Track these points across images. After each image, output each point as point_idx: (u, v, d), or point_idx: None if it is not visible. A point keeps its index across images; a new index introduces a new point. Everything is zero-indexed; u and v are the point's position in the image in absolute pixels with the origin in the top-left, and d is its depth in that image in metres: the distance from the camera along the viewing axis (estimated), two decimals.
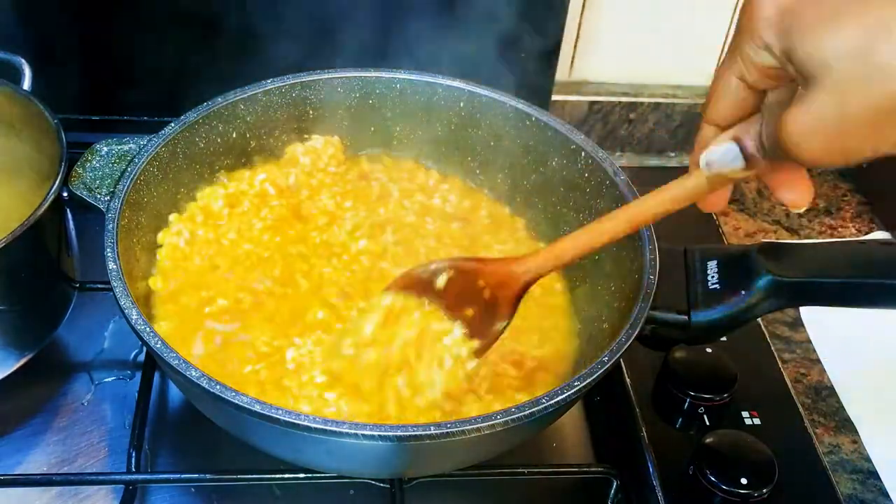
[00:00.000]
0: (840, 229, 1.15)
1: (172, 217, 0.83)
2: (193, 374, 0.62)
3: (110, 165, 0.79)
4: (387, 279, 0.75)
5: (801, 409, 0.84)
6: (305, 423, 0.60)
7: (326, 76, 0.90)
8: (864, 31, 0.46)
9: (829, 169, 1.24)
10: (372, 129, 0.93)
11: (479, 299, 0.69)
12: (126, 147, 0.80)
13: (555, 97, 1.15)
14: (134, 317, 0.66)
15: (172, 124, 0.82)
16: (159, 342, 0.64)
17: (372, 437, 0.60)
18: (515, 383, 0.75)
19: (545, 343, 0.79)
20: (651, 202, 0.62)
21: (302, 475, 0.74)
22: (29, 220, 0.72)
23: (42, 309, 0.82)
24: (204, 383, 0.61)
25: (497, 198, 0.93)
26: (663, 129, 1.20)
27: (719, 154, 0.55)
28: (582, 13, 1.12)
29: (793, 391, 0.85)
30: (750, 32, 0.52)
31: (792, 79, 0.51)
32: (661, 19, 1.13)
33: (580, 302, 0.83)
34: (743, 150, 0.54)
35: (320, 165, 0.90)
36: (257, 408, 0.60)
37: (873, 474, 0.85)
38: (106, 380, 0.87)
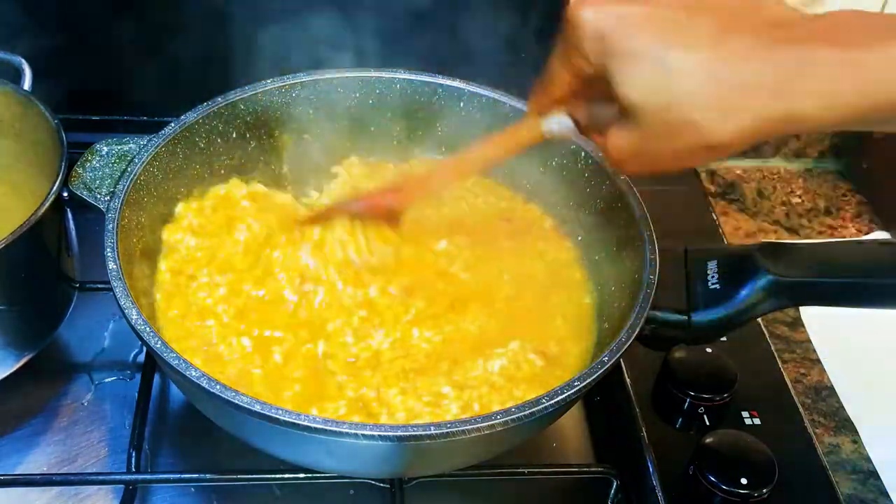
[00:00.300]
0: (840, 229, 1.15)
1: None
2: (193, 374, 0.62)
3: (110, 165, 0.79)
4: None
5: (801, 409, 0.84)
6: (305, 423, 0.60)
7: (326, 76, 0.89)
8: (661, 86, 0.53)
9: (829, 168, 1.25)
10: (372, 128, 0.93)
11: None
12: (126, 147, 0.80)
13: None
14: (134, 317, 0.66)
15: (172, 124, 0.82)
16: (159, 342, 0.64)
17: (372, 437, 0.60)
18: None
19: None
20: (500, 146, 0.73)
21: (302, 475, 0.74)
22: (29, 221, 0.72)
23: (42, 309, 0.82)
24: (204, 383, 0.61)
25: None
26: None
27: (557, 125, 0.67)
28: None
29: (793, 391, 0.85)
30: (573, 45, 0.58)
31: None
32: None
33: None
34: (576, 122, 0.66)
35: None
36: (257, 408, 0.60)
37: (873, 474, 0.85)
38: (106, 380, 0.87)
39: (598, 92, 0.60)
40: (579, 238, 0.85)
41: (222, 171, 0.88)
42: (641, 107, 0.55)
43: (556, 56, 0.62)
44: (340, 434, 0.60)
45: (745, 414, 0.82)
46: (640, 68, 0.54)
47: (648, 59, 0.53)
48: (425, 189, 0.79)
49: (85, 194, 0.77)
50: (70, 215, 0.82)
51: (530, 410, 0.61)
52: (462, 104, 0.90)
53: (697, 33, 0.53)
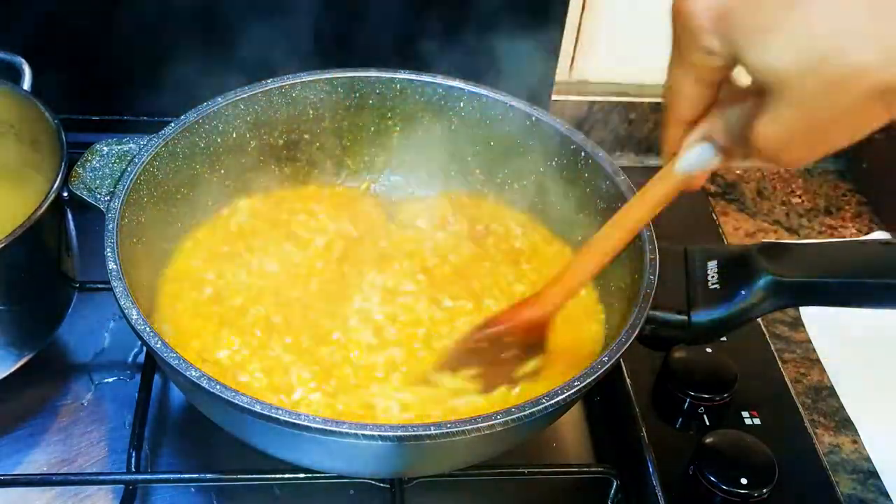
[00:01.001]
0: (840, 229, 1.15)
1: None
2: (193, 374, 0.62)
3: (110, 165, 0.79)
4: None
5: (801, 409, 0.84)
6: (305, 423, 0.60)
7: (327, 76, 0.89)
8: (809, 42, 0.46)
9: (829, 168, 1.25)
10: (372, 129, 0.93)
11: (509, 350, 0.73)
12: (126, 147, 0.80)
13: (555, 97, 1.15)
14: (134, 317, 0.66)
15: (173, 124, 0.82)
16: (159, 342, 0.64)
17: (372, 437, 0.60)
18: None
19: None
20: (638, 210, 0.65)
21: (302, 475, 0.74)
22: (29, 221, 0.72)
23: (42, 309, 0.81)
24: (204, 383, 0.61)
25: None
26: None
27: (695, 157, 0.57)
28: (582, 13, 1.11)
29: (793, 391, 0.85)
30: (690, 41, 0.52)
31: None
32: (661, 19, 1.13)
33: None
34: (715, 146, 0.56)
35: None
36: (257, 408, 0.60)
37: (873, 474, 0.85)
38: (106, 380, 0.87)
39: (728, 97, 0.54)
40: (579, 238, 0.85)
41: (222, 171, 0.88)
42: (793, 73, 0.47)
43: (675, 69, 0.55)
44: (340, 434, 0.60)
45: (745, 414, 0.82)
46: (775, 34, 0.47)
47: (783, 20, 0.46)
48: (564, 291, 0.70)
49: (85, 194, 0.77)
50: (70, 215, 0.82)
51: (530, 410, 0.61)
52: (462, 104, 0.90)
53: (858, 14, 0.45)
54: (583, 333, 0.79)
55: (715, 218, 1.06)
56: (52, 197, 0.74)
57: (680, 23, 0.52)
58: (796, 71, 0.47)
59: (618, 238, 0.67)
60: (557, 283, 0.70)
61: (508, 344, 0.72)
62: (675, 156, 0.58)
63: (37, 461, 0.80)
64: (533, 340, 0.72)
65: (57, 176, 0.76)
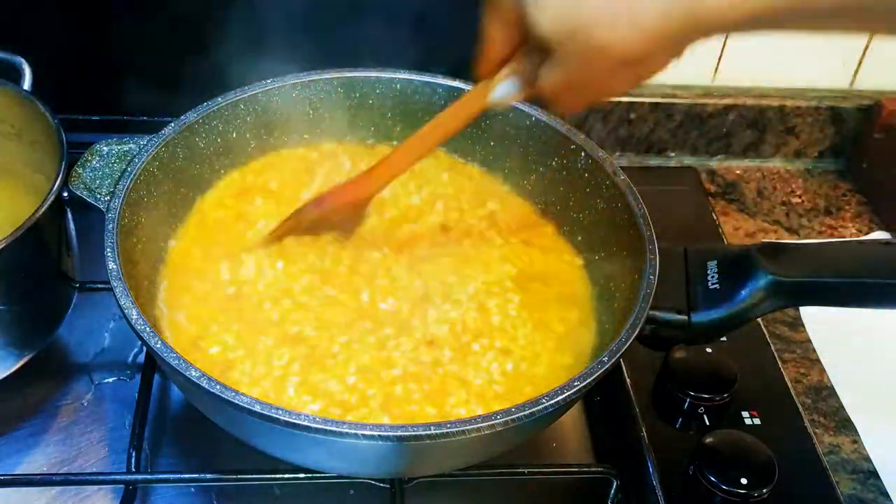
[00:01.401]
0: (840, 229, 1.15)
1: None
2: (193, 374, 0.62)
3: (110, 165, 0.79)
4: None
5: (801, 409, 0.84)
6: (305, 423, 0.60)
7: (327, 76, 0.90)
8: (569, 14, 0.55)
9: (829, 168, 1.25)
10: (372, 129, 0.93)
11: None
12: (126, 147, 0.80)
13: None
14: (134, 317, 0.66)
15: (172, 124, 0.82)
16: (159, 342, 0.64)
17: (372, 437, 0.60)
18: None
19: None
20: (453, 121, 0.75)
21: (302, 475, 0.74)
22: (29, 221, 0.72)
23: (42, 309, 0.82)
24: (204, 383, 0.61)
25: None
26: (663, 129, 1.20)
27: (504, 89, 0.69)
28: None
29: (793, 391, 0.85)
30: None
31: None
32: None
33: None
34: (520, 82, 0.67)
35: None
36: (257, 408, 0.60)
37: (873, 474, 0.85)
38: (106, 380, 0.87)
39: (533, 46, 0.62)
40: (579, 238, 0.85)
41: (222, 172, 0.88)
42: (553, 38, 0.57)
43: (487, 15, 0.65)
44: (340, 434, 0.60)
45: (745, 414, 0.82)
46: (548, 2, 0.56)
47: None
48: (387, 174, 0.79)
49: (85, 194, 0.77)
50: (70, 215, 0.82)
51: (530, 410, 0.61)
52: None
53: None
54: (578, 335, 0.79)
55: (715, 218, 1.06)
56: (52, 197, 0.74)
57: None
58: (558, 37, 0.57)
59: (431, 142, 0.77)
60: (382, 166, 0.79)
61: (333, 222, 0.81)
62: (486, 82, 0.70)
63: (37, 461, 0.80)
64: (353, 217, 0.82)
65: (57, 176, 0.76)
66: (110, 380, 0.87)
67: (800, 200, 1.19)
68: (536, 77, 0.63)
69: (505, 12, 0.62)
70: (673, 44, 0.55)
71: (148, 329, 0.65)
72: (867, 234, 1.14)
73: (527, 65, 0.66)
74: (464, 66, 0.74)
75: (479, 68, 0.69)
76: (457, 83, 0.89)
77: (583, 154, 0.84)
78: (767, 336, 0.90)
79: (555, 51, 0.58)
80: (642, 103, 1.18)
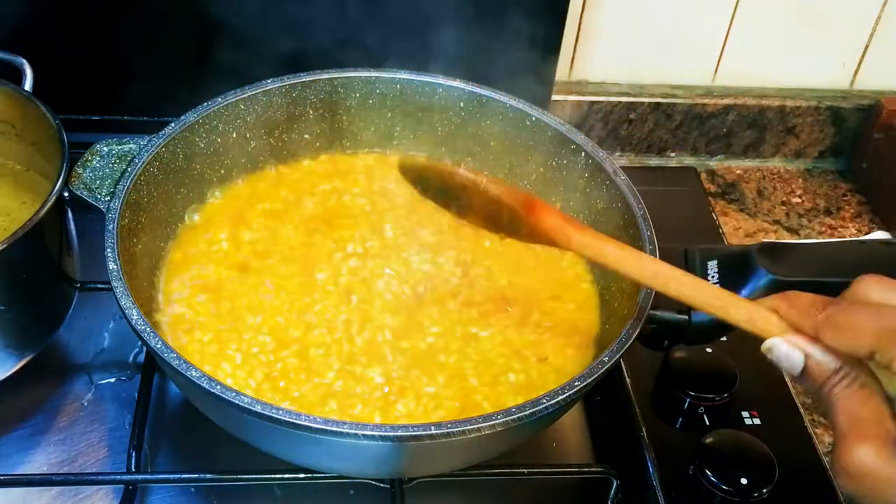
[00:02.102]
0: (840, 229, 1.15)
1: None
2: (193, 374, 0.62)
3: (111, 165, 0.79)
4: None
5: (801, 409, 0.84)
6: (305, 423, 0.60)
7: (326, 76, 0.90)
8: None
9: (829, 168, 1.25)
10: (372, 129, 0.93)
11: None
12: (126, 147, 0.80)
13: (555, 97, 1.15)
14: (134, 317, 0.66)
15: (173, 124, 0.82)
16: (159, 342, 0.64)
17: (372, 437, 0.60)
18: None
19: None
20: (710, 297, 0.61)
21: (302, 475, 0.74)
22: (31, 221, 0.72)
23: (43, 309, 0.82)
24: (204, 383, 0.62)
25: None
26: (663, 129, 1.20)
27: (784, 354, 0.54)
28: (582, 13, 1.12)
29: (793, 391, 0.85)
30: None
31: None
32: (661, 19, 1.13)
33: None
34: (805, 363, 0.54)
35: None
36: (257, 408, 0.60)
37: None
38: (106, 380, 0.87)
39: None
40: None
41: (222, 172, 0.88)
42: None
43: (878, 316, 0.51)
44: (340, 434, 0.60)
45: (745, 414, 0.82)
46: None
47: None
48: (594, 252, 0.66)
49: (85, 194, 0.77)
50: (70, 215, 0.82)
51: (530, 410, 0.62)
52: (462, 104, 0.90)
53: None
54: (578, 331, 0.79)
55: (715, 218, 1.06)
56: (54, 197, 0.74)
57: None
58: None
59: (675, 285, 0.62)
60: (592, 239, 0.66)
61: (499, 213, 0.70)
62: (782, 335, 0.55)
63: (37, 461, 0.80)
64: (523, 227, 0.69)
65: (59, 176, 0.76)
66: (110, 380, 0.87)
67: (800, 200, 1.19)
68: (834, 451, 0.52)
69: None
70: None
71: (148, 329, 0.65)
72: (867, 234, 1.14)
73: (827, 357, 0.53)
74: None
75: (778, 306, 0.56)
76: (457, 83, 0.89)
77: (583, 154, 0.84)
78: None
79: None
80: (642, 103, 1.18)
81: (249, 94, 0.87)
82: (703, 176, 1.19)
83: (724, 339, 0.83)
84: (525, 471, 0.78)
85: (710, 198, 1.12)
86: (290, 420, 0.60)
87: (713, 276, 0.72)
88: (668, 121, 1.20)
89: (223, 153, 0.87)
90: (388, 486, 0.75)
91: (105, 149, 0.80)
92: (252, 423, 0.62)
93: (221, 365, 0.74)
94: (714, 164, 1.23)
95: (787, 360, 0.54)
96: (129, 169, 0.77)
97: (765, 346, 0.55)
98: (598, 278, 0.83)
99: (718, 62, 1.18)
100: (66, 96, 0.90)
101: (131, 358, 0.89)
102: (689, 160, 1.23)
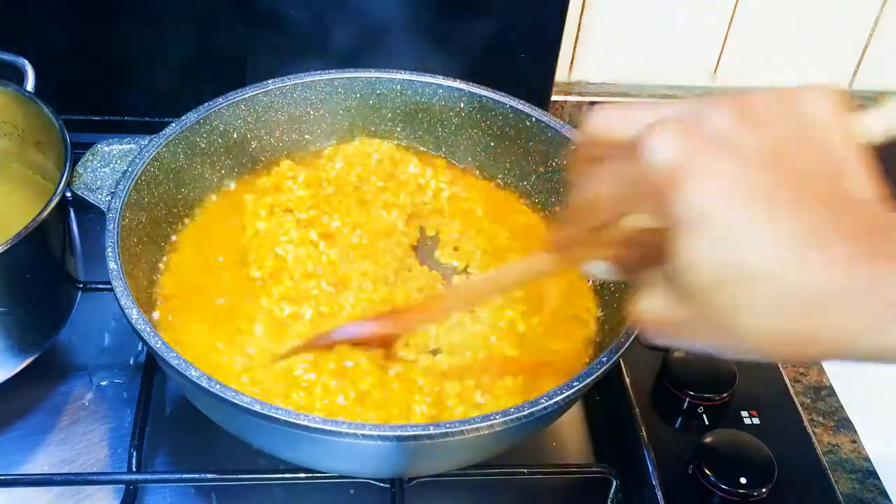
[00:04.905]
0: None
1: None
2: (193, 373, 0.62)
3: (112, 165, 0.79)
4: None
5: (800, 409, 0.84)
6: (305, 423, 0.60)
7: (327, 77, 0.90)
8: (736, 264, 0.43)
9: None
10: (372, 129, 0.93)
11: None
12: (127, 147, 0.81)
13: (555, 97, 1.15)
14: (134, 316, 0.66)
15: (174, 124, 0.82)
16: (159, 342, 0.64)
17: (371, 437, 0.60)
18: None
19: None
20: (513, 276, 0.66)
21: (302, 475, 0.74)
22: (34, 222, 0.72)
23: (46, 310, 0.82)
24: (204, 383, 0.62)
25: None
26: None
27: (598, 269, 0.57)
28: (582, 13, 1.12)
29: (792, 391, 0.86)
30: (633, 173, 0.48)
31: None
32: (661, 19, 1.13)
33: None
34: (617, 272, 0.56)
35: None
36: (257, 407, 0.60)
37: (872, 474, 0.85)
38: (107, 380, 0.87)
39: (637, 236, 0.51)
40: None
41: (223, 172, 0.88)
42: (705, 289, 0.44)
43: (600, 182, 0.51)
44: (340, 434, 0.60)
45: (744, 413, 0.82)
46: (718, 245, 0.43)
47: (732, 238, 0.42)
48: (429, 316, 0.74)
49: (86, 194, 0.77)
50: (73, 215, 0.83)
51: (530, 410, 0.62)
52: (462, 104, 0.90)
53: (797, 221, 0.42)
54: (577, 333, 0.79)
55: None
56: (57, 197, 0.74)
57: (637, 150, 0.46)
58: (706, 287, 0.44)
59: (489, 291, 0.70)
60: (422, 310, 0.74)
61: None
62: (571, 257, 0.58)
63: (38, 461, 0.81)
64: (383, 346, 0.74)
65: (62, 176, 0.76)
66: (111, 380, 0.87)
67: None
68: (638, 276, 0.52)
69: (627, 203, 0.49)
70: (816, 359, 0.48)
71: (148, 329, 0.65)
72: None
73: (632, 257, 0.53)
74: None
75: (556, 234, 0.59)
76: (457, 84, 0.90)
77: None
78: None
79: (687, 296, 0.45)
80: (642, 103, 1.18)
81: (250, 94, 0.87)
82: None
83: None
84: (525, 471, 0.78)
85: None
86: (289, 419, 0.60)
87: None
88: None
89: (224, 154, 0.87)
90: (388, 485, 0.75)
91: (106, 149, 0.80)
92: (252, 423, 0.63)
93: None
94: None
95: (602, 271, 0.57)
96: (130, 169, 0.77)
97: (585, 269, 0.59)
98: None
99: (718, 62, 1.18)
100: (67, 97, 0.90)
101: (132, 358, 0.89)
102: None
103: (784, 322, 0.43)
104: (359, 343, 0.73)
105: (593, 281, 0.69)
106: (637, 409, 0.81)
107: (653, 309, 0.49)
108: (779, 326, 0.43)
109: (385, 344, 0.74)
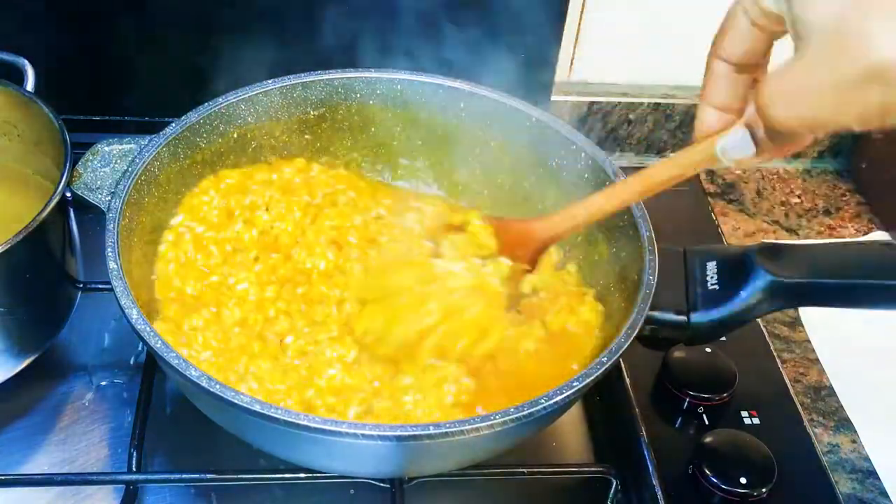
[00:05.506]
0: (839, 229, 1.15)
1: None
2: (193, 373, 0.62)
3: (112, 165, 0.79)
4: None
5: (800, 409, 0.84)
6: (305, 423, 0.60)
7: (327, 77, 0.90)
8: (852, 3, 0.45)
9: (828, 168, 1.25)
10: (372, 129, 0.93)
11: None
12: (127, 147, 0.80)
13: (555, 97, 1.15)
14: (134, 316, 0.66)
15: (173, 124, 0.82)
16: (159, 342, 0.64)
17: (371, 437, 0.60)
18: None
19: None
20: (662, 169, 0.64)
21: (302, 475, 0.74)
22: (34, 222, 0.72)
23: (47, 310, 0.82)
24: (203, 383, 0.62)
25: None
26: (663, 129, 1.20)
27: (732, 142, 0.57)
28: (582, 13, 1.12)
29: (792, 391, 0.86)
30: None
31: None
32: (661, 19, 1.13)
33: None
34: (754, 136, 0.56)
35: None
36: (257, 407, 0.60)
37: (872, 474, 0.85)
38: (107, 380, 0.87)
39: None
40: (578, 238, 0.85)
41: (223, 172, 0.88)
42: (814, 21, 0.47)
43: (731, 20, 0.56)
44: (340, 434, 0.60)
45: (744, 413, 0.82)
46: None
47: None
48: (581, 220, 0.72)
49: (86, 194, 0.77)
50: (73, 215, 0.83)
51: (529, 411, 0.62)
52: (462, 105, 0.90)
53: None
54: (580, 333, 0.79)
55: (714, 218, 1.06)
56: (57, 197, 0.75)
57: None
58: (827, 23, 0.46)
59: (637, 191, 0.67)
60: (564, 212, 0.72)
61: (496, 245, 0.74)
62: (713, 137, 0.59)
63: (38, 461, 0.81)
64: (520, 257, 0.73)
65: (62, 176, 0.76)
66: (111, 380, 0.87)
67: (799, 200, 1.19)
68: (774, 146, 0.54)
69: (756, 7, 0.53)
70: None
71: (148, 329, 0.65)
72: (866, 234, 1.14)
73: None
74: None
75: (701, 118, 0.61)
76: (457, 84, 0.90)
77: (583, 154, 0.84)
78: (767, 336, 0.90)
79: (806, 37, 0.48)
80: (642, 104, 1.18)
81: (250, 94, 0.87)
82: (703, 176, 1.19)
83: (723, 339, 0.83)
84: (525, 471, 0.78)
85: (709, 198, 1.12)
86: (289, 419, 0.60)
87: (712, 277, 0.72)
88: (667, 121, 1.20)
89: (224, 153, 0.87)
90: (388, 485, 0.75)
91: (106, 149, 0.80)
92: (251, 423, 0.63)
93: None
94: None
95: (737, 142, 0.57)
96: (130, 169, 0.77)
97: (717, 149, 0.58)
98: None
99: None
100: (67, 97, 0.90)
101: (132, 358, 0.89)
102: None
103: None
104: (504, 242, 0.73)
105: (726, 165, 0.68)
106: (637, 409, 0.81)
107: (776, 79, 0.50)
108: None
109: (527, 253, 0.72)
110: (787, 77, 0.49)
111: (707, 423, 0.81)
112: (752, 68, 0.58)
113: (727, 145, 0.58)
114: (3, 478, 0.77)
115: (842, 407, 0.91)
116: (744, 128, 0.56)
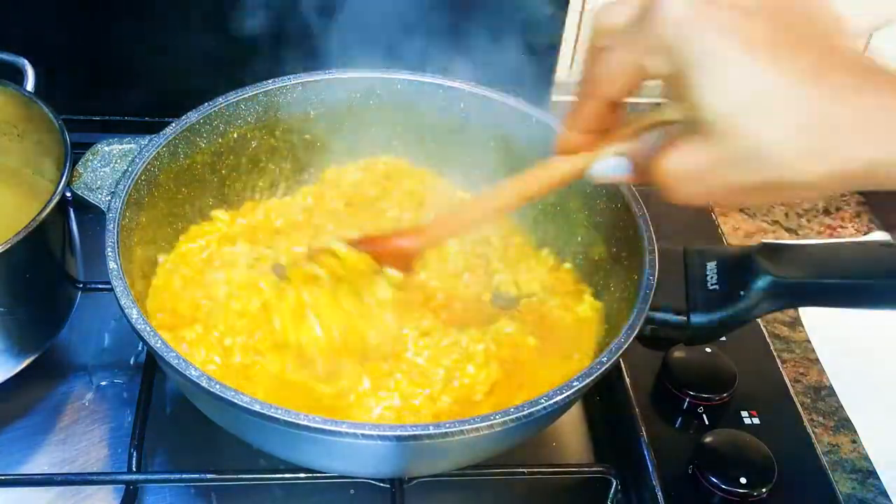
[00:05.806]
0: (839, 229, 1.15)
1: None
2: (193, 373, 0.62)
3: (111, 165, 0.79)
4: None
5: (800, 409, 0.84)
6: (305, 423, 0.60)
7: (327, 76, 0.90)
8: (756, 98, 0.47)
9: None
10: (372, 129, 0.93)
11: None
12: (127, 147, 0.80)
13: (555, 97, 1.15)
14: (134, 316, 0.66)
15: (174, 124, 0.82)
16: (159, 342, 0.64)
17: (371, 437, 0.60)
18: None
19: None
20: (530, 186, 0.65)
21: (302, 475, 0.74)
22: (34, 222, 0.72)
23: (47, 310, 0.82)
24: (203, 383, 0.62)
25: None
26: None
27: (610, 167, 0.59)
28: (582, 13, 1.12)
29: (792, 391, 0.86)
30: (647, 35, 0.51)
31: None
32: None
33: None
34: (630, 164, 0.58)
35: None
36: (257, 407, 0.60)
37: (872, 474, 0.85)
38: (107, 380, 0.87)
39: (647, 125, 0.57)
40: (579, 238, 0.85)
41: (223, 172, 0.88)
42: (727, 121, 0.48)
43: (612, 52, 0.54)
44: (340, 434, 0.60)
45: (744, 413, 0.82)
46: (733, 79, 0.48)
47: (745, 73, 0.47)
48: (448, 231, 0.74)
49: (86, 194, 0.77)
50: (73, 215, 0.83)
51: (529, 410, 0.62)
52: (462, 105, 0.90)
53: (797, 60, 0.47)
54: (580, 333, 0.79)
55: (714, 218, 1.06)
56: (57, 197, 0.75)
57: (650, 15, 0.51)
58: (732, 121, 0.48)
59: (502, 204, 0.68)
60: (439, 224, 0.73)
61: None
62: (585, 155, 0.60)
63: (38, 461, 0.81)
64: (401, 265, 0.74)
65: (62, 176, 0.76)
66: (111, 380, 0.87)
67: (799, 200, 1.19)
68: (651, 162, 0.54)
69: (648, 58, 0.52)
70: (844, 186, 0.52)
71: (148, 329, 0.65)
72: (866, 234, 1.14)
73: (642, 146, 0.57)
74: None
75: (564, 137, 0.61)
76: (457, 84, 0.90)
77: None
78: (767, 336, 0.90)
79: (715, 134, 0.49)
80: (642, 103, 1.18)
81: (250, 94, 0.87)
82: None
83: (723, 339, 0.83)
84: (525, 471, 0.78)
85: None
86: (289, 419, 0.60)
87: (712, 277, 0.72)
88: None
89: (224, 153, 0.87)
90: (388, 485, 0.75)
91: (106, 148, 0.80)
92: (251, 423, 0.63)
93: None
94: None
95: (607, 171, 0.59)
96: (130, 169, 0.77)
97: (593, 171, 0.60)
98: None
99: None
100: (67, 96, 0.90)
101: (132, 358, 0.89)
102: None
103: (807, 140, 0.47)
104: (379, 256, 0.73)
105: (601, 188, 0.68)
106: (637, 409, 0.81)
107: (677, 160, 0.51)
108: (802, 144, 0.47)
109: (405, 262, 0.73)
110: (695, 160, 0.51)
111: (707, 423, 0.81)
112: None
113: (602, 168, 0.59)
114: (3, 478, 0.77)
115: (842, 407, 0.91)
116: (624, 158, 0.58)
